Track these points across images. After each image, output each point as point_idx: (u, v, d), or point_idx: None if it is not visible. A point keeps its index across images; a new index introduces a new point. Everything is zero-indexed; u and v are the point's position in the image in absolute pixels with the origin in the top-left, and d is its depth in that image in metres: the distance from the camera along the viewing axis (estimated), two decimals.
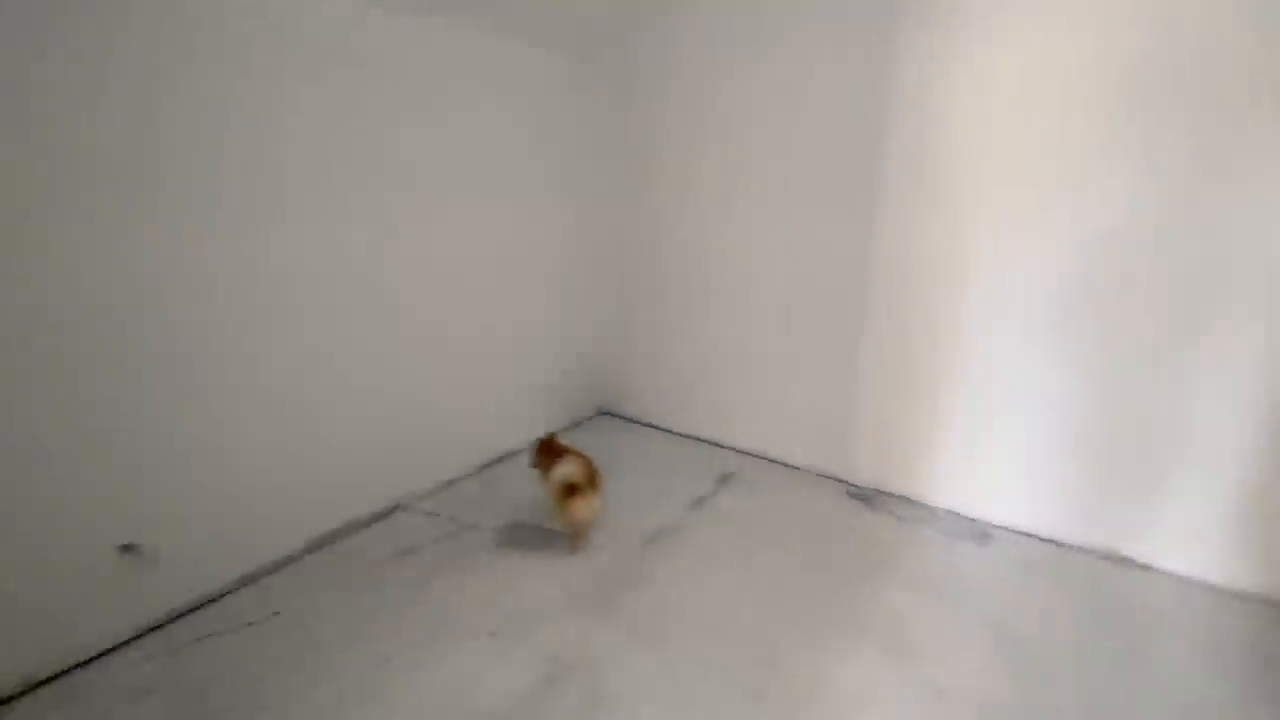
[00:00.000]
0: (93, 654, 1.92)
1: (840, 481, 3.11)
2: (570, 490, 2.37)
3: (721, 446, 3.47)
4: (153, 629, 2.05)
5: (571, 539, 2.51)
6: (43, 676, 1.82)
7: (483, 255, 2.96)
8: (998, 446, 2.66)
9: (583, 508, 2.38)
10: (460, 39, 2.63)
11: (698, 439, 3.56)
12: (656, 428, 3.73)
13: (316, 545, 2.49)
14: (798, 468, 3.23)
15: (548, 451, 2.60)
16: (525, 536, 2.60)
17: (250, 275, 2.13)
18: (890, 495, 2.97)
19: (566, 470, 2.40)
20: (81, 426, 1.82)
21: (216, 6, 1.92)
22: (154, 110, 1.84)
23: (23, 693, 1.79)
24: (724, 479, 3.12)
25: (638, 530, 2.65)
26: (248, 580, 2.28)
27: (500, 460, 3.25)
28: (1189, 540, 2.33)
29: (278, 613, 2.15)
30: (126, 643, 1.99)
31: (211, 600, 2.19)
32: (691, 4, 2.99)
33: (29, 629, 1.79)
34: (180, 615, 2.11)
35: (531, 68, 2.99)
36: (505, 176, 2.98)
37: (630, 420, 3.84)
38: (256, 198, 2.11)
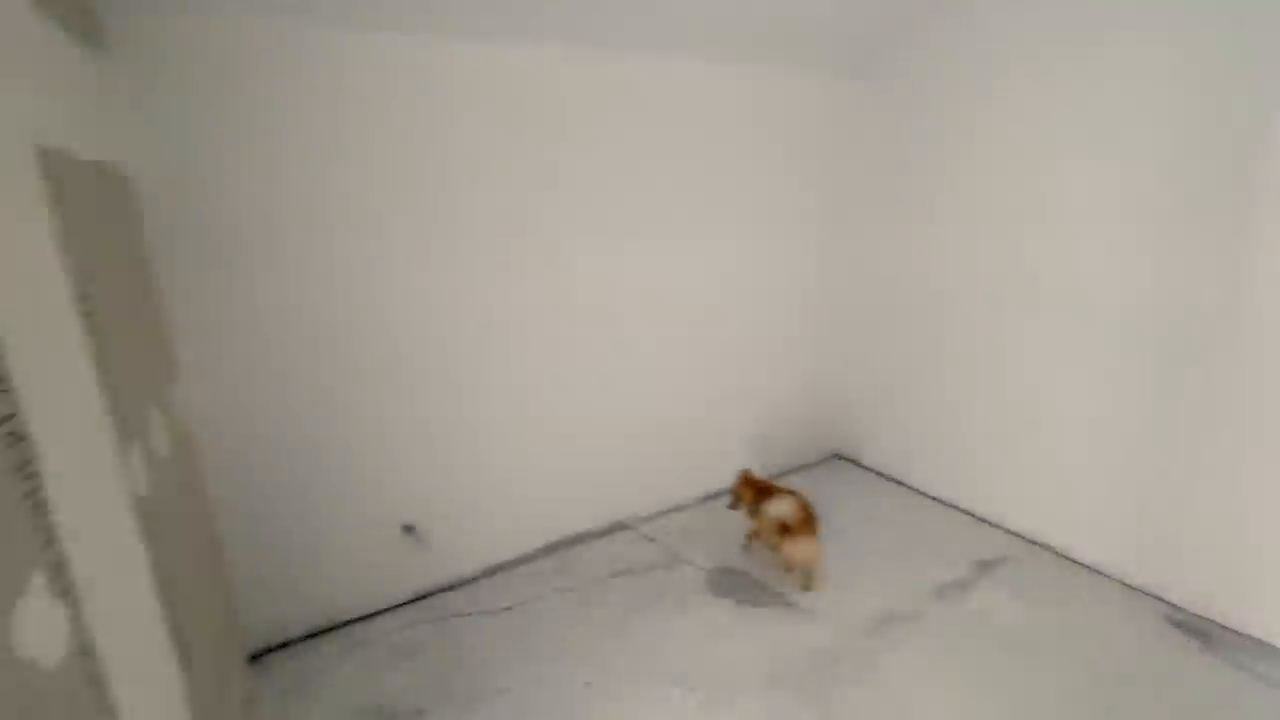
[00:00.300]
0: (371, 611, 2.35)
1: (1159, 600, 2.32)
2: (785, 529, 2.22)
3: (984, 521, 2.88)
4: (419, 599, 2.43)
5: (798, 578, 2.40)
6: (326, 626, 2.29)
7: (718, 282, 2.91)
8: None
9: (804, 549, 2.23)
10: (709, 70, 2.62)
11: (952, 505, 3.02)
12: (900, 483, 3.27)
13: (549, 550, 2.71)
14: (1094, 569, 2.51)
15: (752, 489, 2.47)
16: (737, 584, 2.47)
17: (511, 310, 2.40)
18: (1239, 634, 2.12)
19: (782, 509, 2.27)
20: (386, 428, 2.24)
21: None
22: (457, 170, 2.17)
23: (310, 636, 2.27)
24: (984, 566, 2.57)
25: (864, 608, 2.32)
26: (491, 570, 2.58)
27: (723, 493, 3.16)
28: None
29: (509, 607, 2.38)
30: (399, 606, 2.40)
31: (464, 583, 2.52)
32: (971, 5, 2.52)
33: (326, 585, 2.26)
34: (440, 591, 2.47)
35: (779, 92, 2.84)
36: (743, 204, 2.89)
37: (868, 470, 3.44)
38: (514, 239, 2.37)
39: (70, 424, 1.02)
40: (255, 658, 2.15)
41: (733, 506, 2.54)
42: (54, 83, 1.25)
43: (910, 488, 3.21)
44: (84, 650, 0.92)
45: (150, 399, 1.53)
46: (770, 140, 2.86)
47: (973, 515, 2.92)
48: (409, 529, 2.36)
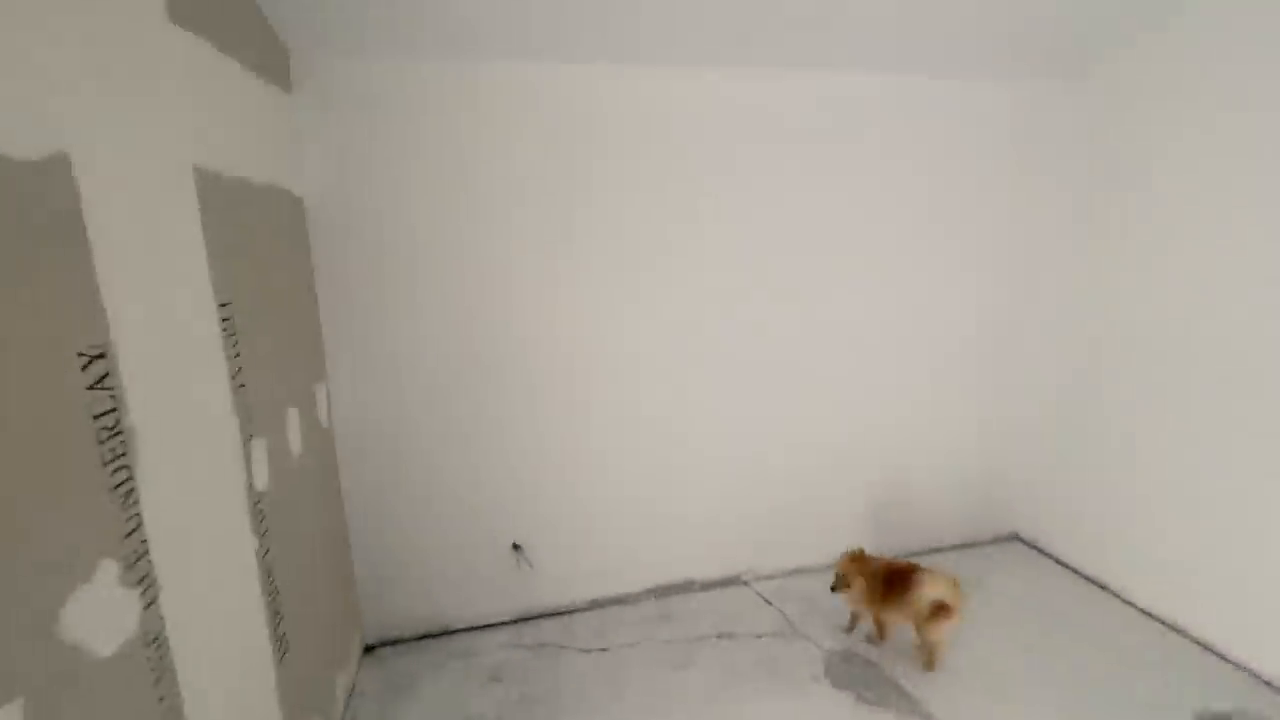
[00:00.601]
0: (476, 624, 2.38)
1: None
2: (944, 610, 1.99)
3: (1220, 656, 2.16)
4: (521, 620, 2.42)
5: (927, 657, 2.10)
6: (436, 631, 2.35)
7: (880, 326, 2.56)
8: None
9: (953, 629, 2.03)
10: (884, 84, 2.33)
11: (1170, 625, 2.31)
12: (1096, 583, 2.60)
13: (654, 594, 2.56)
14: None
15: (864, 570, 2.11)
16: (862, 676, 2.10)
17: (642, 341, 2.32)
18: None
19: (939, 590, 1.99)
20: (508, 445, 2.27)
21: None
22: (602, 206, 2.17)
23: (421, 638, 2.34)
24: None
25: None
26: (594, 605, 2.49)
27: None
28: None
29: (605, 649, 2.27)
30: (502, 624, 2.40)
31: (566, 612, 2.47)
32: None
33: (439, 591, 2.33)
34: (542, 616, 2.44)
35: (963, 105, 2.45)
36: (916, 232, 2.52)
37: (1055, 560, 2.79)
38: (643, 272, 2.28)
39: (181, 421, 1.10)
40: (370, 649, 2.28)
41: (836, 588, 2.15)
42: (233, 115, 1.42)
43: (1110, 591, 2.53)
44: (148, 640, 0.96)
45: (289, 398, 1.68)
46: (952, 160, 2.48)
47: (1205, 646, 2.21)
48: (518, 548, 2.36)
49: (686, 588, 2.60)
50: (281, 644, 1.50)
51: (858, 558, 2.15)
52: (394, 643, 2.31)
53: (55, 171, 0.83)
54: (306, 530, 1.75)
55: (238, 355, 1.35)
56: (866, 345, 2.57)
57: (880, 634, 2.23)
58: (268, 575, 1.44)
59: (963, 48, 2.21)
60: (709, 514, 2.56)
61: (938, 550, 2.85)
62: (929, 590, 2.00)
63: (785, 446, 2.58)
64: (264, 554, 1.43)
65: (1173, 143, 2.21)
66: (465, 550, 2.32)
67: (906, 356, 2.63)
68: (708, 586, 2.62)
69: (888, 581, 2.08)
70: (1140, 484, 2.40)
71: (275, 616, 1.47)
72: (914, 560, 2.18)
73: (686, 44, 2.01)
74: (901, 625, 2.13)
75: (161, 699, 0.99)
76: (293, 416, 1.69)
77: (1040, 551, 2.87)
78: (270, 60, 1.68)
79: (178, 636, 1.04)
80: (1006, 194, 2.57)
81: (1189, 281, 2.19)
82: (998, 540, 2.97)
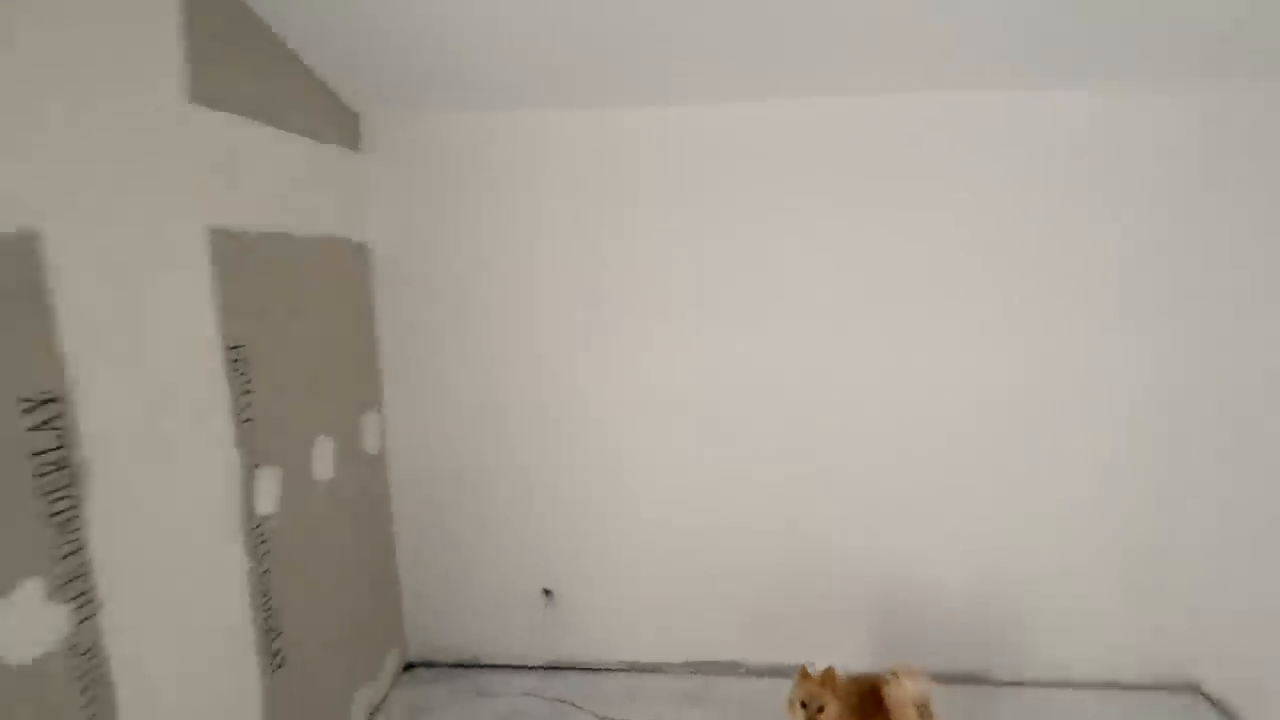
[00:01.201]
0: (508, 663, 2.38)
1: None
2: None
3: None
4: (550, 668, 2.37)
5: None
6: (469, 661, 2.39)
7: (1009, 392, 2.09)
8: None
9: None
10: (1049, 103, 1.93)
11: None
12: None
13: (692, 669, 2.34)
14: None
15: (841, 693, 1.65)
16: None
17: (694, 394, 2.17)
18: None
19: (921, 687, 1.62)
20: (548, 488, 2.26)
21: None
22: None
23: (455, 665, 2.39)
24: None
25: None
26: (626, 668, 2.36)
27: (955, 675, 2.24)
28: None
29: None
30: (531, 668, 2.37)
31: (596, 669, 2.36)
32: None
33: (474, 623, 2.37)
34: (571, 669, 2.36)
35: (1123, 120, 1.91)
36: (1057, 282, 2.02)
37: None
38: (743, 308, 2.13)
39: (150, 455, 1.24)
40: (410, 667, 2.40)
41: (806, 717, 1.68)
42: (266, 176, 1.60)
43: None
44: (78, 652, 1.08)
45: (321, 427, 1.84)
46: (1103, 186, 1.96)
47: None
48: (548, 593, 2.32)
49: (731, 669, 2.34)
50: (275, 658, 1.62)
51: (828, 679, 1.69)
52: (432, 665, 2.40)
53: (21, 246, 0.99)
54: (331, 550, 1.89)
55: (247, 392, 1.51)
56: (985, 414, 2.11)
57: None
58: (262, 593, 1.57)
59: (1120, 50, 1.73)
60: (761, 594, 2.28)
61: (1065, 684, 2.22)
62: (910, 688, 1.60)
63: (868, 529, 2.21)
64: (260, 572, 1.56)
65: None
66: (500, 587, 2.34)
67: (1045, 430, 2.10)
68: (758, 673, 2.33)
69: (862, 699, 1.66)
70: None
71: (268, 632, 1.59)
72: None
73: (767, 79, 1.85)
74: None
75: (89, 703, 1.11)
76: (324, 445, 1.84)
77: (1228, 713, 2.09)
78: (329, 123, 1.88)
79: (118, 647, 1.16)
80: (1182, 224, 1.96)
81: None
82: (1168, 689, 2.23)
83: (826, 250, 2.06)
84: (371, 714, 2.13)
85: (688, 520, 2.26)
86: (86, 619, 1.10)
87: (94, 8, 1.12)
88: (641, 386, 2.18)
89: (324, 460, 1.85)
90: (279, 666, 1.63)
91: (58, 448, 1.05)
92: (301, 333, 1.74)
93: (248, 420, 1.51)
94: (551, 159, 2.06)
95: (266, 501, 1.59)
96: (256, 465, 1.55)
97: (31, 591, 1.01)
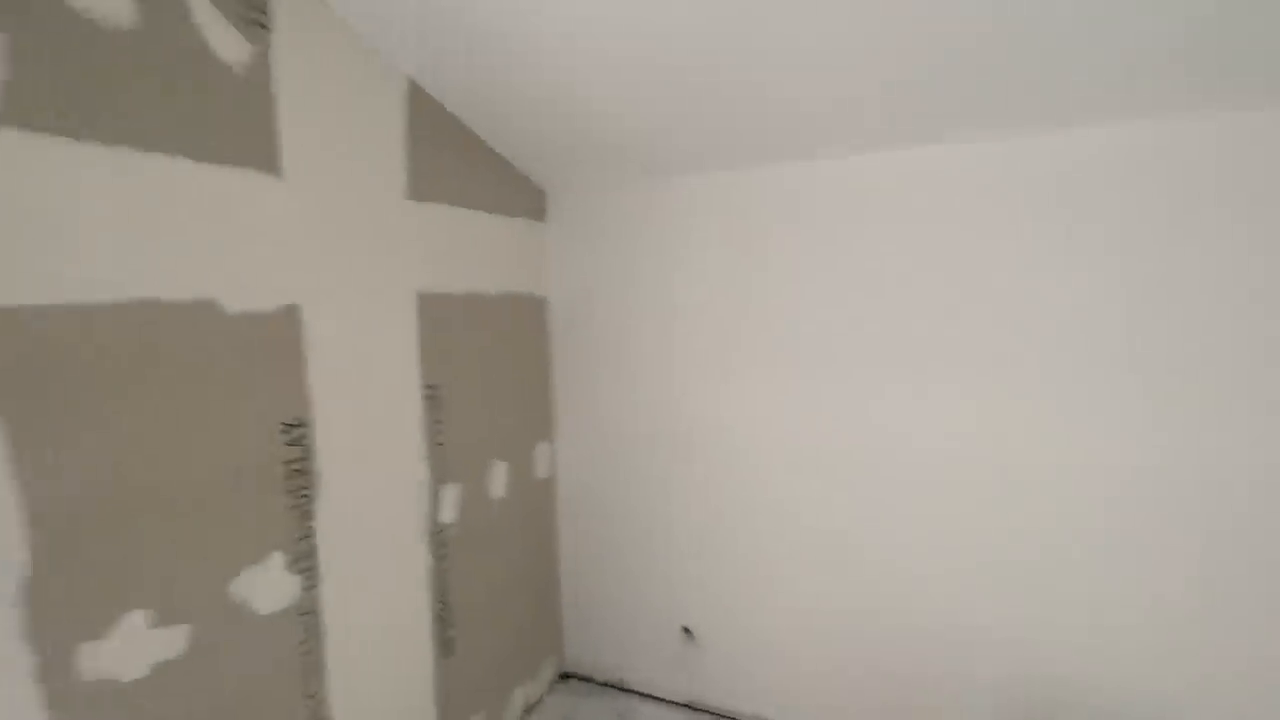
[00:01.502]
0: (650, 693, 2.47)
1: None
2: None
3: None
4: (688, 705, 2.41)
5: None
6: (616, 683, 2.53)
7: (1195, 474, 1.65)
8: None
9: None
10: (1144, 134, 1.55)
11: None
12: None
13: None
14: None
15: None
16: None
17: (847, 448, 2.09)
18: None
19: None
20: (694, 527, 2.35)
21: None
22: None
23: (605, 684, 2.54)
24: None
25: None
26: None
27: None
28: None
29: None
30: (670, 702, 2.44)
31: (726, 715, 2.34)
32: None
33: (625, 646, 2.50)
34: (706, 711, 2.38)
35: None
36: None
37: None
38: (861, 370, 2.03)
39: (364, 467, 1.63)
40: (567, 677, 2.63)
41: None
42: (467, 248, 1.99)
43: None
44: (302, 611, 1.47)
45: (499, 453, 2.17)
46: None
47: None
48: (688, 632, 2.38)
49: None
50: (447, 645, 1.95)
51: None
52: (585, 679, 2.61)
53: (287, 317, 1.42)
54: (500, 559, 2.20)
55: (439, 422, 1.88)
56: (1147, 500, 1.68)
57: None
58: (440, 588, 1.91)
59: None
60: (904, 682, 2.06)
61: None
62: None
63: (1014, 619, 1.88)
64: (440, 570, 1.91)
65: None
66: (646, 618, 2.46)
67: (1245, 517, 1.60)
68: None
69: None
70: None
71: (442, 621, 1.92)
72: None
73: (879, 128, 1.79)
74: None
75: (307, 653, 1.49)
76: (499, 468, 2.17)
77: None
78: (520, 200, 2.25)
79: (331, 613, 1.54)
80: None
81: None
82: None
83: (1002, 305, 1.84)
84: (527, 710, 2.39)
85: (830, 587, 2.14)
86: (310, 588, 1.49)
87: (346, 133, 1.55)
88: (798, 445, 2.15)
89: (498, 481, 2.18)
90: (450, 653, 1.96)
91: (302, 459, 1.46)
92: (487, 373, 2.10)
93: (439, 444, 1.88)
94: (699, 218, 2.18)
95: (448, 511, 1.94)
96: (442, 482, 1.90)
97: (277, 561, 1.41)
